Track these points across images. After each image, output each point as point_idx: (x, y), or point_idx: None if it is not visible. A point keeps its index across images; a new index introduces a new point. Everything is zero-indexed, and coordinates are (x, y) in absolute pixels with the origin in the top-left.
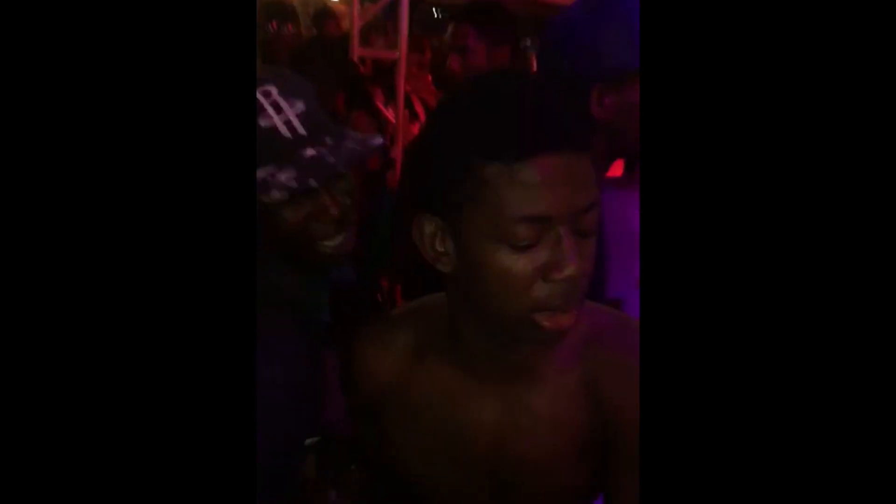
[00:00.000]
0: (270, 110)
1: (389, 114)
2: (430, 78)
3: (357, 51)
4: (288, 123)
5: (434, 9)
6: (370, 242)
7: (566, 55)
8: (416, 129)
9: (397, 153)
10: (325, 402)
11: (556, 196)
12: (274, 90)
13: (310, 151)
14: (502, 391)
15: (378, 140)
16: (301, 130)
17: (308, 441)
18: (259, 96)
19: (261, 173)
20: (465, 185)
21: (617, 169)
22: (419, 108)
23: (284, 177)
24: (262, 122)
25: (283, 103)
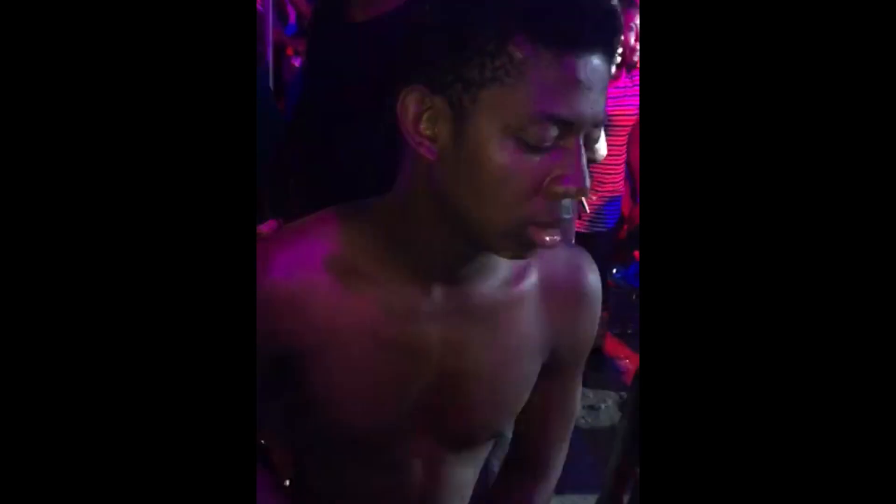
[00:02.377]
0: None
1: None
2: None
3: None
4: None
5: None
6: None
7: None
8: None
9: None
10: None
11: (587, 101)
12: None
13: None
14: (449, 308)
15: None
16: None
17: None
18: None
19: None
20: (493, 63)
21: None
22: None
23: None
24: None
25: None
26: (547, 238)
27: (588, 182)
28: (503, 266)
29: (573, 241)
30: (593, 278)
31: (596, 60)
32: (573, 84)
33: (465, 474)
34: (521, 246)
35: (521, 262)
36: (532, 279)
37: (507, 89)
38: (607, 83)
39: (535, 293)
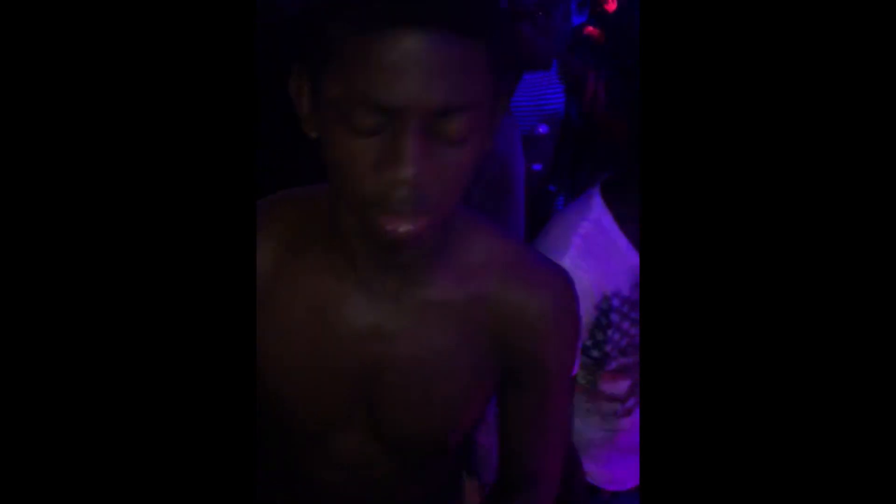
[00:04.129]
0: None
1: None
2: None
3: None
4: None
5: None
6: None
7: None
8: None
9: None
10: None
11: (406, 86)
12: None
13: None
14: (382, 297)
15: None
16: None
17: None
18: None
19: None
20: (320, 52)
21: None
22: None
23: None
24: None
25: None
26: (385, 224)
27: (410, 170)
28: (448, 268)
29: (443, 217)
30: (556, 302)
31: (423, 38)
32: (384, 69)
33: (404, 486)
34: (375, 231)
35: (474, 265)
36: (484, 287)
37: (331, 76)
38: (470, 64)
39: (484, 304)
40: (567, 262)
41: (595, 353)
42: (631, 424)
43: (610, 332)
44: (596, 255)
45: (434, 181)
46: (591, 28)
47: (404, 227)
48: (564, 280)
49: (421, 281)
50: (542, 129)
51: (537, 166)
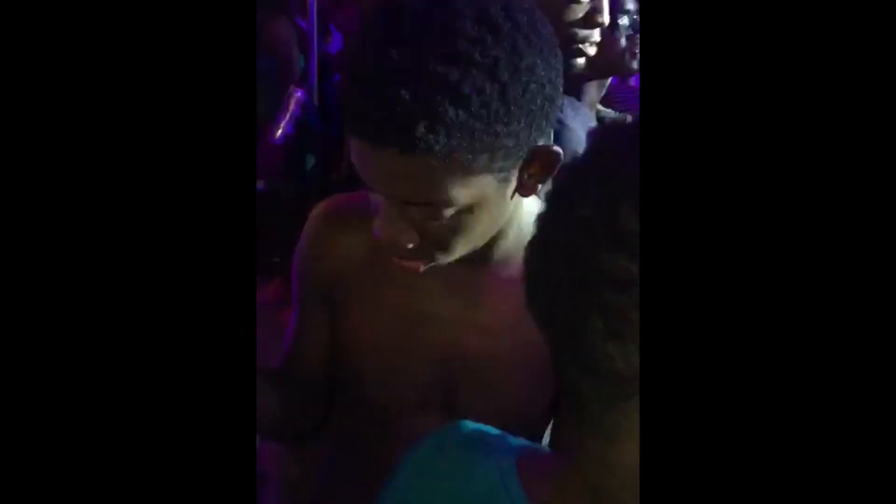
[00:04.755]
0: None
1: None
2: None
3: None
4: None
5: None
6: None
7: None
8: None
9: None
10: None
11: (384, 182)
12: None
13: None
14: (464, 285)
15: None
16: None
17: None
18: None
19: None
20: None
21: None
22: None
23: None
24: None
25: None
26: (398, 260)
27: (384, 234)
28: (511, 249)
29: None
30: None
31: (376, 152)
32: (370, 166)
33: None
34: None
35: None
36: None
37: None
38: (416, 172)
39: None
40: None
41: None
42: None
43: None
44: None
45: (423, 244)
46: None
47: (416, 267)
48: None
49: (500, 270)
50: None
51: None
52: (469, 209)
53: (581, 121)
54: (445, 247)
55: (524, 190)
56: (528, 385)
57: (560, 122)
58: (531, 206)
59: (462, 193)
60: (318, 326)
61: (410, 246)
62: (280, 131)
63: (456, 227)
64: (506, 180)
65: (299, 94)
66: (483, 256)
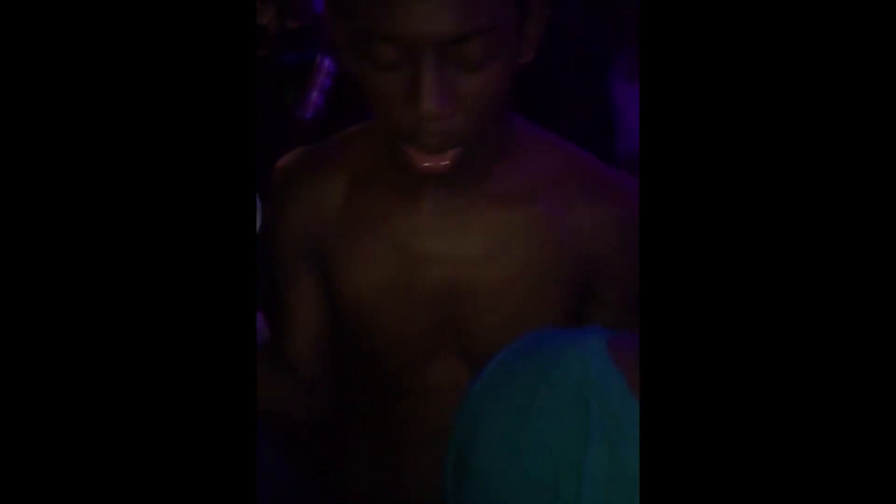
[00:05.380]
0: None
1: None
2: None
3: None
4: None
5: None
6: None
7: None
8: None
9: None
10: None
11: (416, 15)
12: None
13: None
14: (457, 219)
15: None
16: None
17: None
18: None
19: None
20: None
21: None
22: None
23: None
24: None
25: None
26: (418, 160)
27: (431, 104)
28: (524, 184)
29: (476, 143)
30: (634, 213)
31: None
32: (404, 5)
33: None
34: (412, 168)
35: (549, 180)
36: (563, 200)
37: (348, 18)
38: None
39: (564, 216)
40: None
41: None
42: None
43: None
44: None
45: (459, 111)
46: None
47: (434, 162)
48: (635, 192)
49: (497, 199)
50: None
51: None
52: (498, 64)
53: None
54: (477, 120)
55: (523, 53)
56: (539, 310)
57: None
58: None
59: (507, 28)
60: (307, 294)
61: (451, 121)
62: (311, 106)
63: (492, 88)
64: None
65: (327, 62)
66: (471, 178)
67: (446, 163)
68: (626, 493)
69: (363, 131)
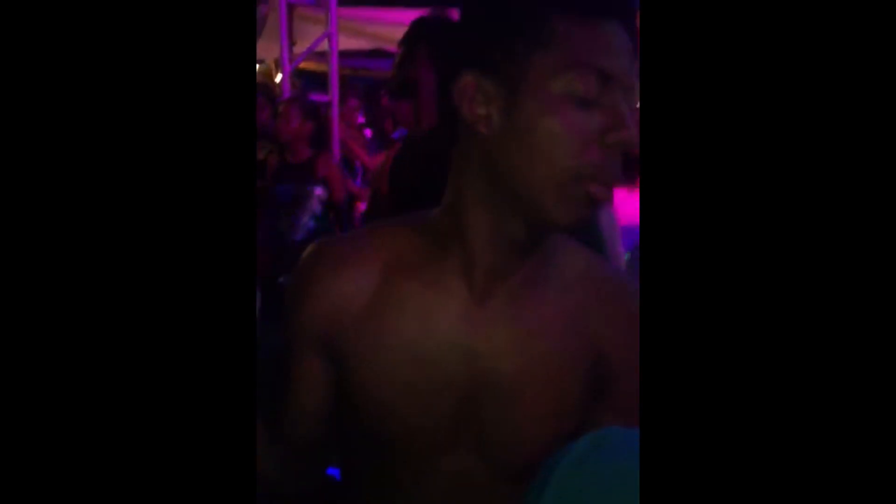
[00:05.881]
0: None
1: None
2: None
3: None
4: None
5: None
6: None
7: None
8: None
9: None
10: None
11: (619, 60)
12: None
13: None
14: (492, 312)
15: None
16: None
17: None
18: None
19: None
20: (536, 35)
21: None
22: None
23: None
24: None
25: None
26: (596, 190)
27: (635, 134)
28: (552, 284)
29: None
30: (626, 277)
31: (620, 28)
32: (606, 44)
33: (502, 499)
34: (578, 204)
35: (572, 280)
36: (584, 300)
37: (553, 51)
38: (632, 52)
39: (585, 316)
40: None
41: None
42: None
43: None
44: None
45: (636, 143)
46: None
47: (609, 195)
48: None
49: (528, 295)
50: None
51: None
52: None
53: None
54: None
55: None
56: (560, 409)
57: None
58: None
59: None
60: (314, 381)
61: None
62: (302, 229)
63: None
64: None
65: (318, 191)
66: (502, 263)
67: (611, 197)
68: None
69: (392, 226)
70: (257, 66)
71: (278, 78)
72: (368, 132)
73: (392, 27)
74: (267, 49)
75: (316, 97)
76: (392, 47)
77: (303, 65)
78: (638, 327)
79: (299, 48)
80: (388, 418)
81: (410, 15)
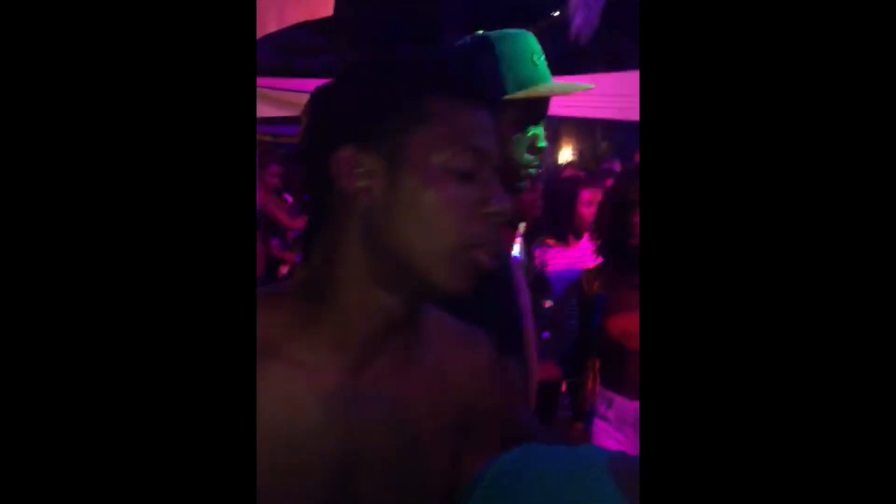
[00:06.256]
0: None
1: None
2: None
3: None
4: None
5: None
6: None
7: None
8: None
9: None
10: None
11: (491, 139)
12: None
13: None
14: (357, 384)
15: None
16: None
17: None
18: None
19: None
20: (415, 113)
21: None
22: None
23: None
24: None
25: None
26: (484, 257)
27: (509, 204)
28: (419, 349)
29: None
30: (493, 351)
31: (488, 112)
32: (481, 125)
33: None
34: (466, 271)
35: (433, 341)
36: (444, 357)
37: (433, 130)
38: (497, 134)
39: (446, 373)
40: None
41: None
42: None
43: None
44: None
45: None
46: None
47: (494, 261)
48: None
49: (401, 364)
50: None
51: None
52: None
53: None
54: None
55: None
56: (437, 473)
57: None
58: None
59: None
60: None
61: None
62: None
63: None
64: None
65: None
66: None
67: (496, 263)
68: None
69: (265, 296)
70: None
71: None
72: (289, 197)
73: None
74: None
75: None
76: None
77: None
78: (490, 368)
79: None
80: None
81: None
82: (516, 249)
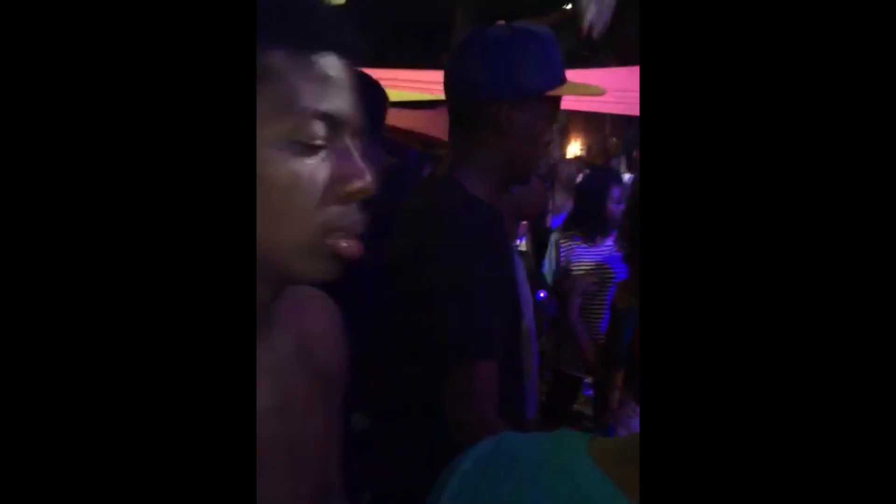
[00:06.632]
0: None
1: None
2: None
3: None
4: None
5: None
6: None
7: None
8: None
9: None
10: None
11: (345, 98)
12: None
13: None
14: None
15: None
16: None
17: None
18: None
19: None
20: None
21: None
22: None
23: None
24: None
25: None
26: (345, 245)
27: (371, 178)
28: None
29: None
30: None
31: (339, 62)
32: (328, 81)
33: None
34: (325, 262)
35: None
36: (286, 314)
37: (271, 96)
38: (355, 89)
39: (295, 325)
40: None
41: None
42: None
43: None
44: None
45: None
46: None
47: (358, 249)
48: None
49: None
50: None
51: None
52: None
53: None
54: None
55: None
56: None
57: None
58: None
59: None
60: None
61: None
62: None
63: None
64: None
65: None
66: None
67: (358, 246)
68: None
69: None
70: None
71: None
72: None
73: None
74: None
75: None
76: None
77: None
78: (340, 329)
79: None
80: None
81: None
82: (522, 244)
